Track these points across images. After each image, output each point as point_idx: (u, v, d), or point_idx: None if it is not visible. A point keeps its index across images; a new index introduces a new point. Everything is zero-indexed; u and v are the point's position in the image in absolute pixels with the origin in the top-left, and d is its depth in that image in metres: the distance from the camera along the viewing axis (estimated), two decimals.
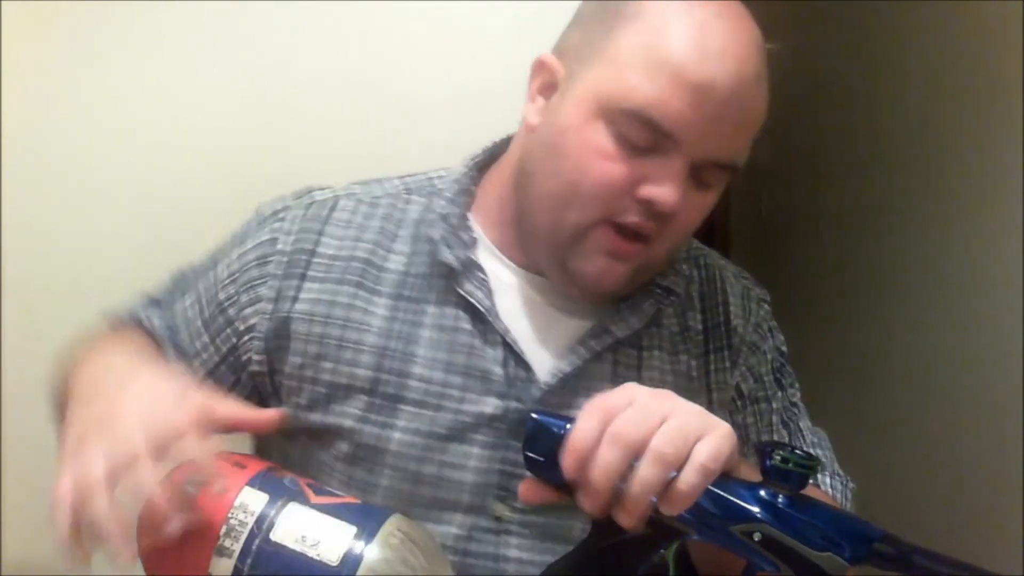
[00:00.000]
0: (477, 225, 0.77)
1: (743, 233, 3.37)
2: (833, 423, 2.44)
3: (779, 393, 0.83)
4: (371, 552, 0.53)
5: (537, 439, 0.58)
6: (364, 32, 1.15)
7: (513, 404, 0.71)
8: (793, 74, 2.99)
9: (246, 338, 0.75)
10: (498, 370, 0.72)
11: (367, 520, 0.55)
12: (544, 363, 0.73)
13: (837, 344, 2.37)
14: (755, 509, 0.55)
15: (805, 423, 0.85)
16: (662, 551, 0.58)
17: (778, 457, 0.56)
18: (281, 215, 0.78)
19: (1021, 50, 1.55)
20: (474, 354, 0.72)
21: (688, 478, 0.52)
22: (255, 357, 0.75)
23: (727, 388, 0.79)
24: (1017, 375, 1.57)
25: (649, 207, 0.66)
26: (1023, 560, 1.54)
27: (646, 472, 0.52)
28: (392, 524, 0.55)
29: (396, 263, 0.75)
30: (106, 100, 1.12)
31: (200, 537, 0.52)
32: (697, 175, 0.67)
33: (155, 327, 0.80)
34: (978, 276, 1.74)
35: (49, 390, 0.77)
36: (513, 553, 0.70)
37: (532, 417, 0.58)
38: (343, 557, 0.52)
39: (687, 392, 0.73)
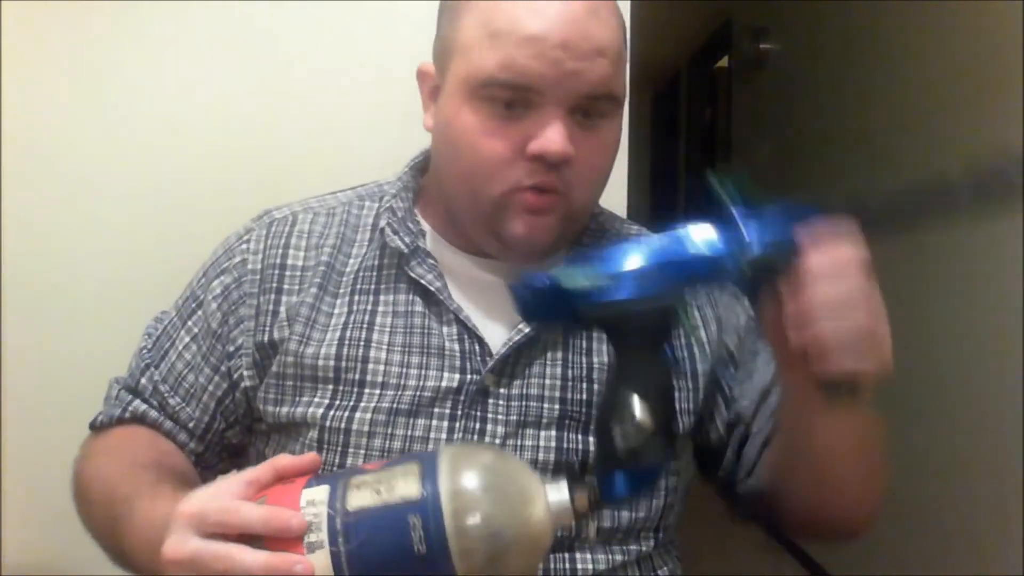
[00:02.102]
0: (423, 219, 0.83)
1: None
2: None
3: (759, 358, 0.86)
4: (444, 469, 0.55)
5: (529, 298, 0.62)
6: (365, 33, 1.15)
7: (470, 376, 0.75)
8: (794, 74, 3.01)
9: (236, 359, 0.79)
10: (454, 346, 0.76)
11: (425, 455, 0.57)
12: (496, 336, 0.77)
13: None
14: (731, 247, 0.60)
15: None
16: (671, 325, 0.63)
17: (714, 181, 0.61)
18: (246, 238, 0.82)
19: (1021, 50, 1.55)
20: (430, 333, 0.77)
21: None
22: (246, 373, 0.78)
23: (696, 373, 0.83)
24: (1017, 375, 1.57)
25: (542, 161, 0.71)
26: (1023, 560, 1.54)
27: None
28: (449, 447, 0.58)
29: (353, 265, 0.80)
30: (106, 100, 1.12)
31: (288, 548, 0.53)
32: (580, 115, 0.72)
33: (149, 409, 0.81)
34: (978, 276, 1.74)
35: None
36: None
37: (515, 286, 0.62)
38: (422, 486, 0.54)
39: None
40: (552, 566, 0.74)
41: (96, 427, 0.81)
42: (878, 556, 2.15)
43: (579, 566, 0.74)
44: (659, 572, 0.78)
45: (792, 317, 0.59)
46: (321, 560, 0.53)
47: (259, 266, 0.80)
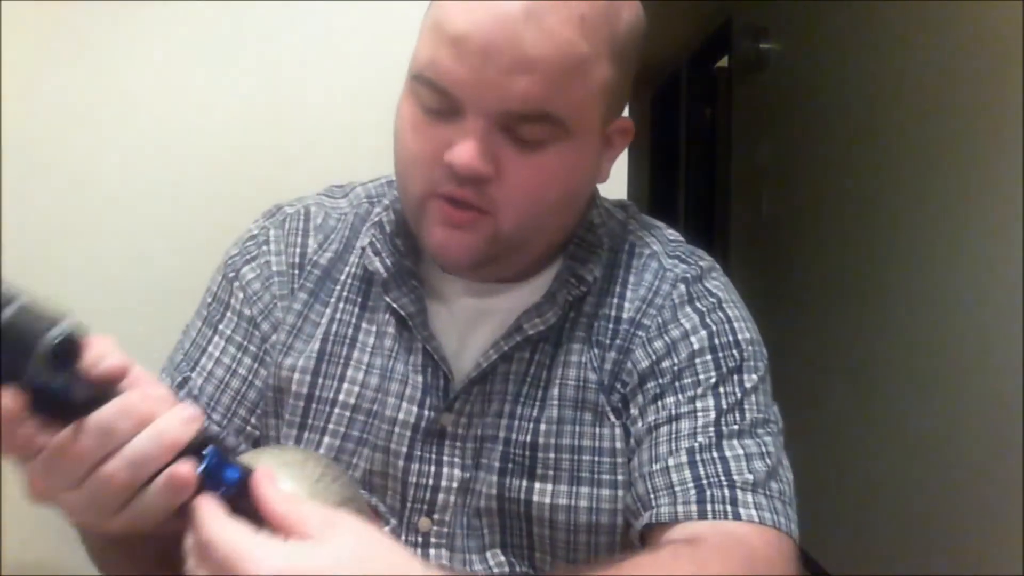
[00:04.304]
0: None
1: (743, 233, 3.37)
2: (832, 423, 2.45)
3: (697, 386, 0.70)
4: None
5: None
6: (365, 32, 1.15)
7: (427, 412, 0.71)
8: (794, 74, 3.01)
9: (271, 354, 0.75)
10: (417, 378, 0.71)
11: None
12: (465, 368, 0.72)
13: (836, 343, 2.37)
14: None
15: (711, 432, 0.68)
16: None
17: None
18: (262, 238, 0.78)
19: (1021, 50, 1.55)
20: (398, 359, 0.72)
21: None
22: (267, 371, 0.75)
23: (624, 387, 0.72)
24: (1017, 375, 1.57)
25: (454, 172, 0.64)
26: (1023, 560, 1.54)
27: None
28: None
29: (346, 272, 0.76)
30: (106, 100, 1.12)
31: None
32: (512, 133, 0.64)
33: None
34: (978, 275, 1.73)
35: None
36: (435, 554, 0.71)
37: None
38: None
39: (593, 391, 0.71)
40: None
41: None
42: (878, 556, 2.15)
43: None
44: None
45: None
46: None
47: (284, 267, 0.76)
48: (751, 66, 3.11)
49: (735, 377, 0.70)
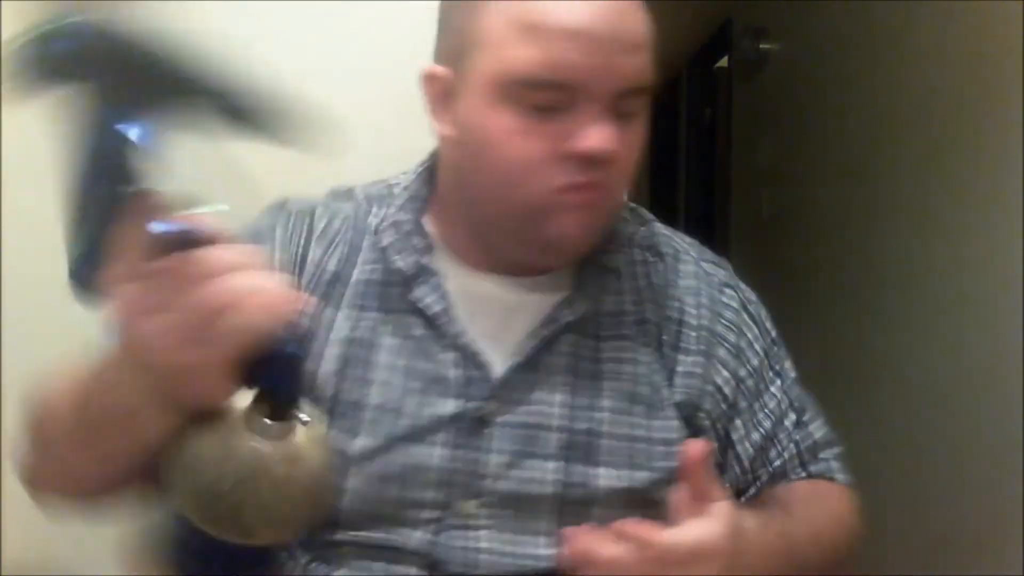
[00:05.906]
0: (433, 230, 0.78)
1: (743, 233, 3.37)
2: (831, 423, 2.43)
3: (769, 389, 0.83)
4: None
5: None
6: (366, 30, 1.15)
7: (469, 404, 0.73)
8: (794, 74, 3.01)
9: None
10: (453, 372, 0.73)
11: None
12: (501, 360, 0.74)
13: (836, 343, 2.37)
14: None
15: (791, 416, 0.85)
16: None
17: None
18: (270, 223, 0.79)
19: (1021, 50, 1.55)
20: (430, 358, 0.74)
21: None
22: None
23: (699, 393, 0.79)
24: (1017, 375, 1.57)
25: (589, 159, 0.67)
26: (1023, 560, 1.54)
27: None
28: None
29: (357, 276, 0.77)
30: None
31: None
32: (615, 109, 0.69)
33: None
34: (978, 275, 1.74)
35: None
36: (484, 545, 0.72)
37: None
38: None
39: (646, 385, 0.75)
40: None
41: None
42: (877, 556, 2.15)
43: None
44: None
45: None
46: None
47: (287, 256, 0.77)
48: (751, 66, 3.11)
49: (784, 372, 0.84)
